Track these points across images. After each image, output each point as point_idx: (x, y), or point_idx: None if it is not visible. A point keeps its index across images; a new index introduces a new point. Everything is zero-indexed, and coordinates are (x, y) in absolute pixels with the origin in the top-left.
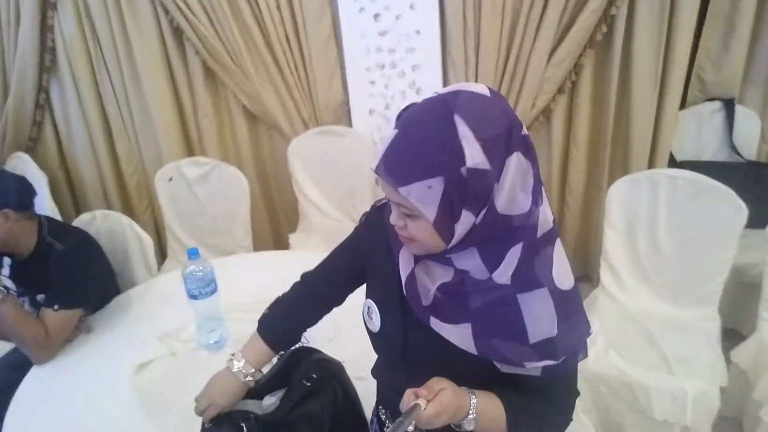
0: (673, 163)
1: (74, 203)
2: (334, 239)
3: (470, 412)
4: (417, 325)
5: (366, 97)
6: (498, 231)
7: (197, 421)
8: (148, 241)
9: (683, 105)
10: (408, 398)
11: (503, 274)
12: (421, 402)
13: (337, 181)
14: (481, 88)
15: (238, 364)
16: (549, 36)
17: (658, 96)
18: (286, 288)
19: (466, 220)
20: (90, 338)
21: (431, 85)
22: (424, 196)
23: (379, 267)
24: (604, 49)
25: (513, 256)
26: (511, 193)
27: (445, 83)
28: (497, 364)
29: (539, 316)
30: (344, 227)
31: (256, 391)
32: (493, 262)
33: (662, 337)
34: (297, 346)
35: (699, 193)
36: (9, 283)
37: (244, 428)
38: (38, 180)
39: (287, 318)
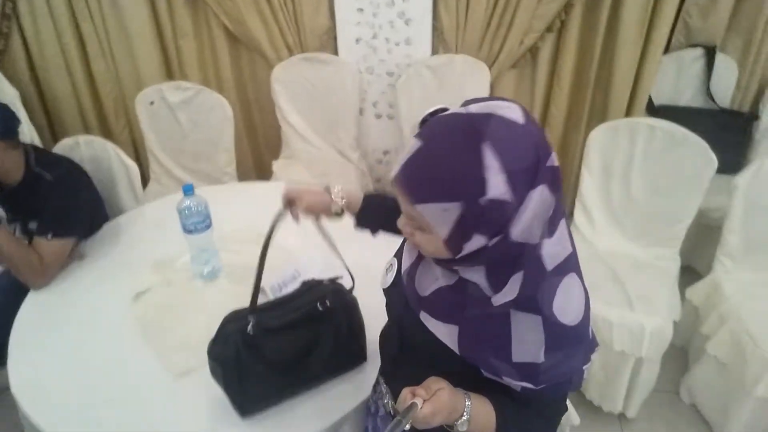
0: (650, 106)
1: (48, 122)
2: (316, 167)
3: (464, 413)
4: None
5: (353, 26)
6: (508, 256)
7: (196, 346)
8: (134, 168)
9: (667, 49)
10: (405, 397)
11: (504, 298)
12: (418, 401)
13: (321, 110)
14: (515, 113)
15: (337, 188)
16: None
17: (644, 39)
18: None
19: (476, 242)
20: (83, 265)
21: (420, 16)
22: (439, 216)
23: None
24: None
25: (515, 282)
26: (530, 223)
27: (435, 15)
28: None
29: (526, 340)
30: (327, 156)
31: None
32: (497, 284)
33: (626, 275)
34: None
35: (675, 143)
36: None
37: (250, 331)
38: (10, 96)
39: (382, 206)
